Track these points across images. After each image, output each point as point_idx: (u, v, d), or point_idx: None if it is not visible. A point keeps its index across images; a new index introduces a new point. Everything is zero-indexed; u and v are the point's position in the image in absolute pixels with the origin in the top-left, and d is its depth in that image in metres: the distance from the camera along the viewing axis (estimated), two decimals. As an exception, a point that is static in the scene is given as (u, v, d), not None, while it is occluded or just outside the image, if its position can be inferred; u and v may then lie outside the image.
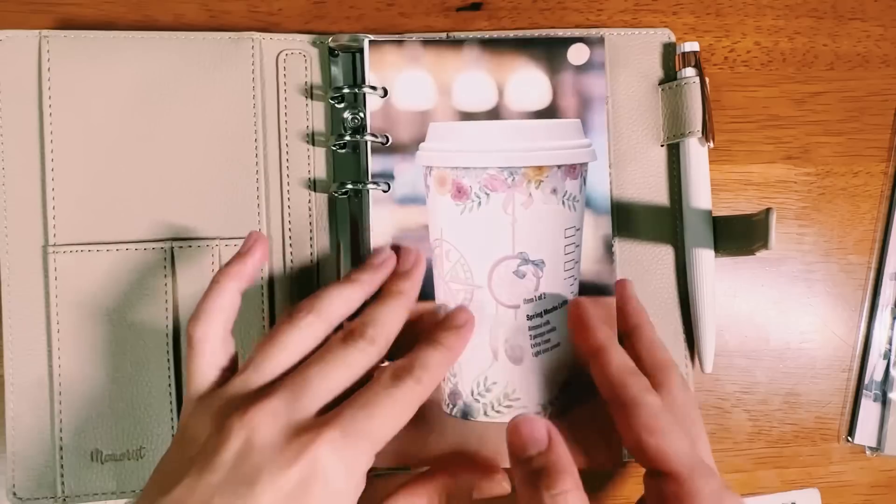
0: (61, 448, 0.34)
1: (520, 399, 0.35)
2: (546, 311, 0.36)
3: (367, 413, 0.27)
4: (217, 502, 0.24)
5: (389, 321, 0.30)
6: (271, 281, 0.36)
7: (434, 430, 0.35)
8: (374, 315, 0.30)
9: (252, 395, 0.27)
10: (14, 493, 0.34)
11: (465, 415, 0.35)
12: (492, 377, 0.35)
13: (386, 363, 0.30)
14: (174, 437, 0.28)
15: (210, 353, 0.29)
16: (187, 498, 0.24)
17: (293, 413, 0.26)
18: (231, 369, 0.30)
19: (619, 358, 0.31)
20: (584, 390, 0.35)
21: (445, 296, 0.36)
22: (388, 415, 0.28)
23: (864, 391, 0.41)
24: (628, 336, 0.35)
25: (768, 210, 0.32)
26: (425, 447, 0.34)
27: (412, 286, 0.33)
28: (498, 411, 0.35)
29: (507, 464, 0.35)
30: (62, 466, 0.34)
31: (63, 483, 0.34)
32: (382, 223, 0.35)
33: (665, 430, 0.28)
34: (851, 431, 0.41)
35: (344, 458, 0.26)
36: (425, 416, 0.35)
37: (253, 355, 0.29)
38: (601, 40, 0.37)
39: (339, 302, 0.31)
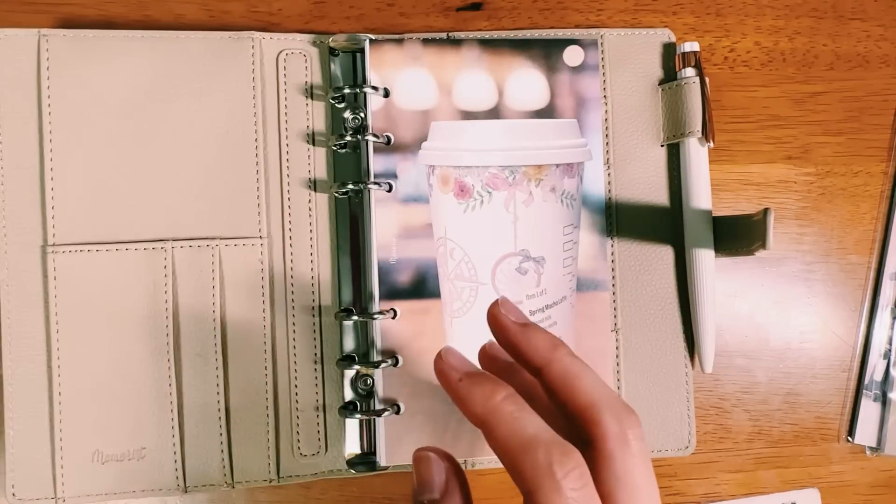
0: (61, 448, 0.34)
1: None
2: (548, 307, 0.37)
3: None
4: None
5: None
6: (271, 281, 0.36)
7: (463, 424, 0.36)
8: None
9: None
10: (13, 494, 0.34)
11: None
12: None
13: None
14: None
15: None
16: None
17: None
18: None
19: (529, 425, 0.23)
20: None
21: (450, 293, 0.36)
22: None
23: (864, 391, 0.41)
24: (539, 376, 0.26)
25: (766, 210, 0.32)
26: (460, 440, 0.36)
27: None
28: None
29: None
30: (62, 466, 0.34)
31: (63, 483, 0.34)
32: (386, 223, 0.36)
33: None
34: (851, 431, 0.41)
35: None
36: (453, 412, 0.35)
37: None
38: (595, 43, 0.38)
39: None
